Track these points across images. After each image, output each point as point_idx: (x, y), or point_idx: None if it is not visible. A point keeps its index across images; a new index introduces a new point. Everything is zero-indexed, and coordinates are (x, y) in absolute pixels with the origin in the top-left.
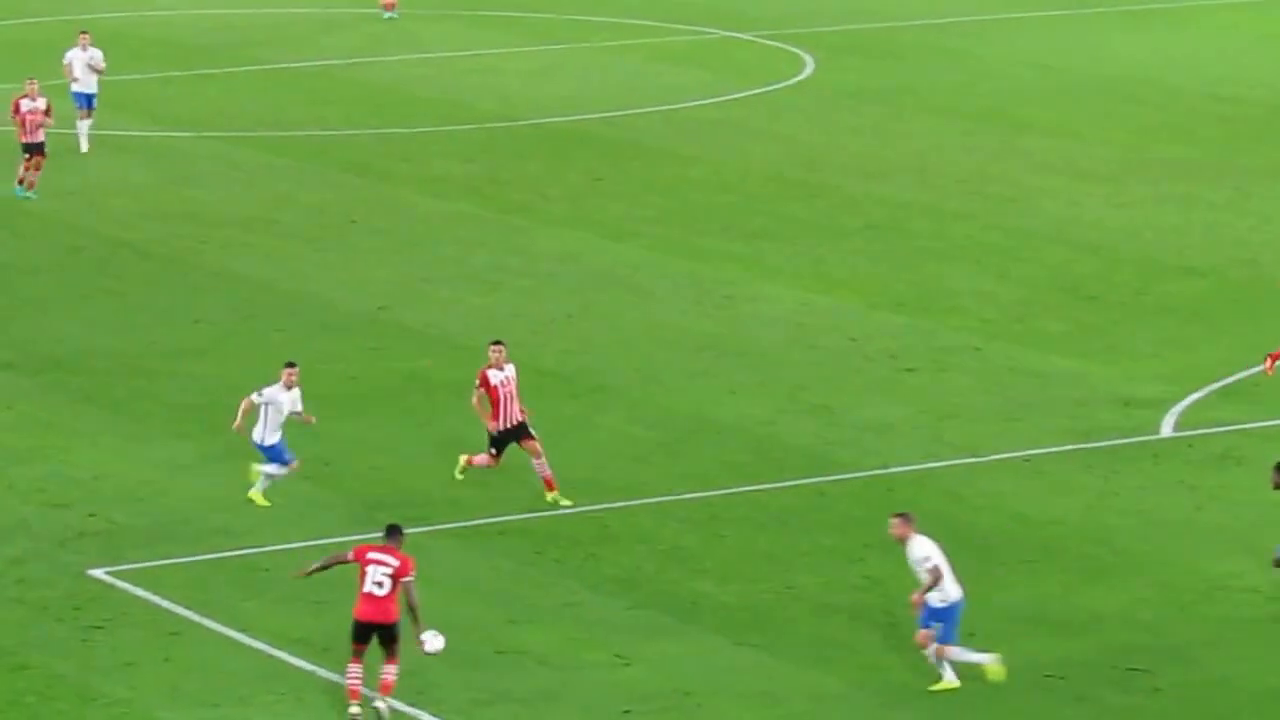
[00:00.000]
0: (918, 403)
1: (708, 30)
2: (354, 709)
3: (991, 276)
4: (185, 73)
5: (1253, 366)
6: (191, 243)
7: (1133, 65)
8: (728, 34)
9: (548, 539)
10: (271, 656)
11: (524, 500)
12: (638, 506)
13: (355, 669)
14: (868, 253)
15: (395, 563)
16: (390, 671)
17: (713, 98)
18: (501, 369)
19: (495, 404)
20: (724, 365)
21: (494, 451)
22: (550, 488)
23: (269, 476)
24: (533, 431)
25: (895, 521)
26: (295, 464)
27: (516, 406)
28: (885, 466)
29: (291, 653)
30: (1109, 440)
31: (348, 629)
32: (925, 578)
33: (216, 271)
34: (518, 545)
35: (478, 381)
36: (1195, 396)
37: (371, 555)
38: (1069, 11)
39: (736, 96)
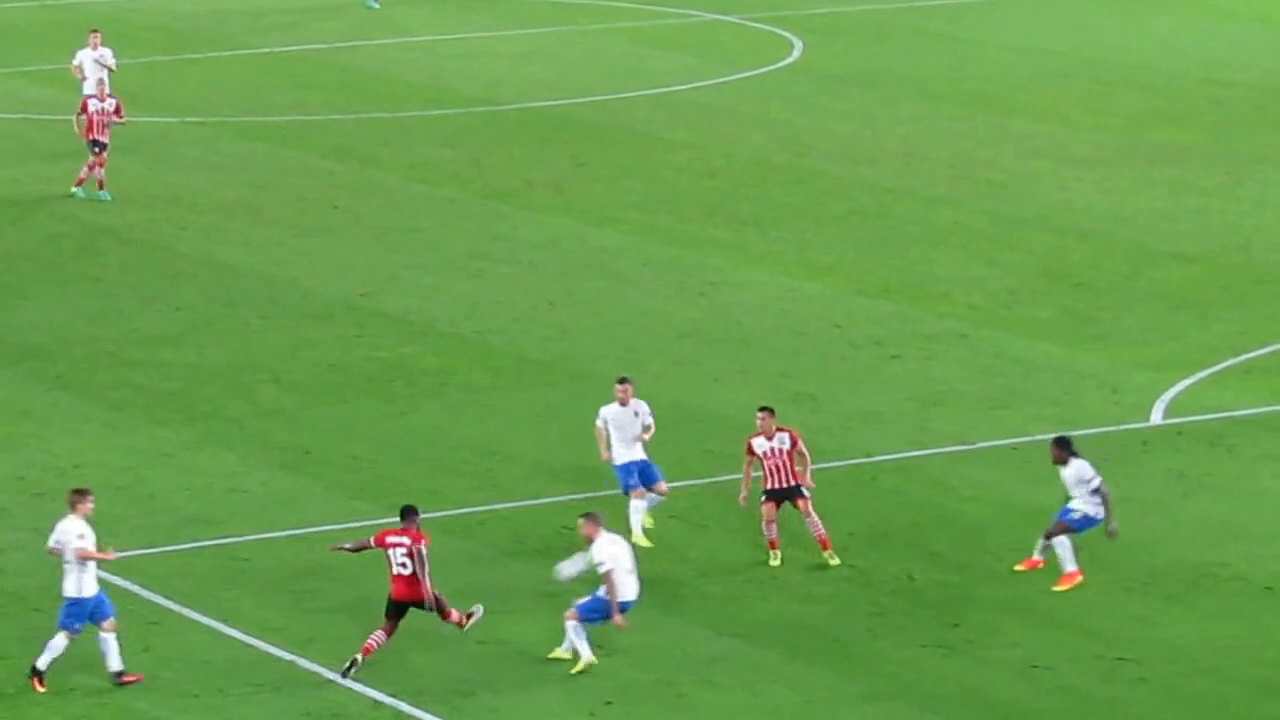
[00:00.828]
0: (904, 390)
1: (694, 13)
2: (356, 657)
3: (979, 263)
4: (168, 58)
5: (1243, 353)
6: (173, 229)
7: (1124, 49)
8: (714, 17)
9: (529, 529)
10: (251, 646)
11: (505, 489)
12: (620, 496)
13: (378, 634)
14: (854, 238)
15: (408, 541)
16: (453, 617)
17: (699, 81)
18: (770, 437)
19: (764, 473)
20: (707, 352)
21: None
22: (825, 547)
23: (639, 507)
24: (806, 493)
25: (582, 521)
26: (659, 486)
27: (789, 474)
28: (870, 455)
29: (271, 643)
30: (1097, 428)
31: (328, 620)
32: (601, 580)
33: (197, 258)
34: (499, 535)
35: (745, 449)
36: (1185, 383)
37: (390, 539)
38: None
39: (723, 80)
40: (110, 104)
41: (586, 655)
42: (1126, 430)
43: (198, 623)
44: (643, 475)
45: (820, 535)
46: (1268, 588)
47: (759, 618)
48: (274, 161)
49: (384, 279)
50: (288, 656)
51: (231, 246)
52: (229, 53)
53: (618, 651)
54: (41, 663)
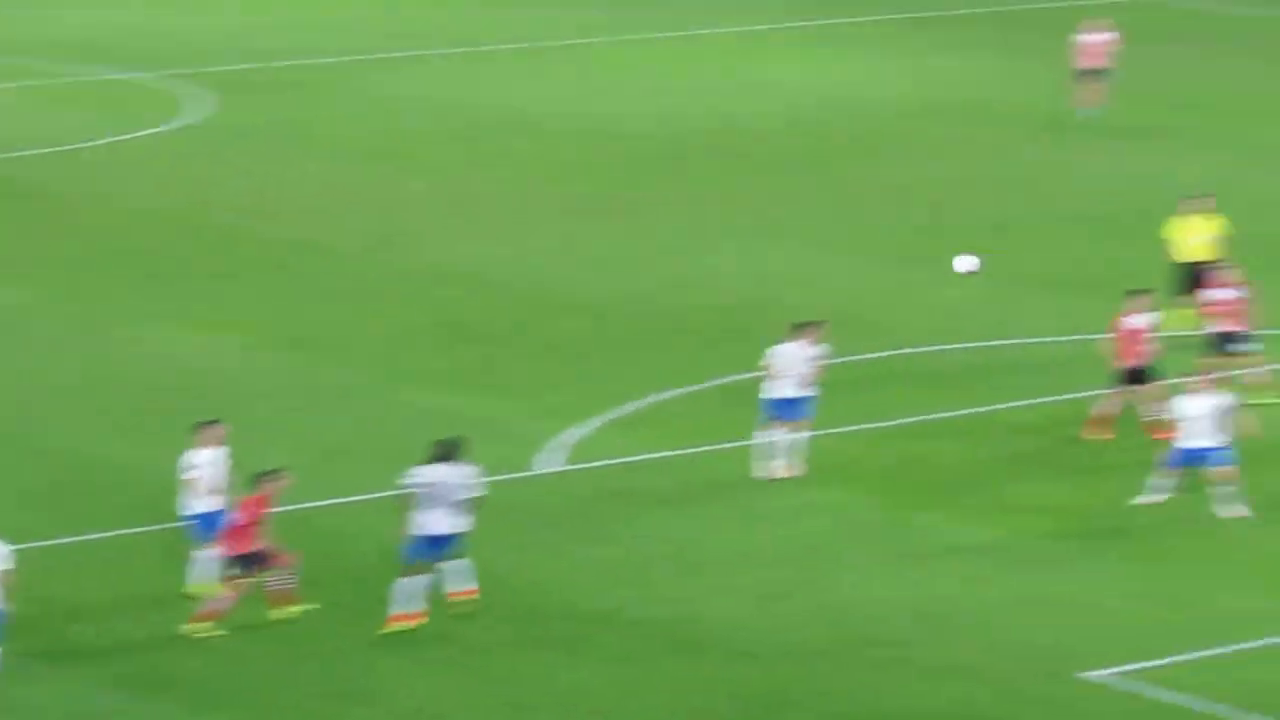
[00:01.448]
0: (299, 443)
1: (91, 70)
2: None
3: (378, 316)
4: None
5: (639, 400)
6: None
7: (528, 103)
8: (122, 75)
9: None
10: None
11: None
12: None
13: None
14: (253, 292)
15: None
16: None
17: (99, 139)
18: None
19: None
20: (105, 406)
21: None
22: (283, 603)
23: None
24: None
25: None
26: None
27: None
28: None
29: None
30: (492, 477)
31: None
32: None
33: None
34: None
35: (257, 505)
36: (579, 431)
37: None
38: (465, 49)
39: (126, 137)
40: None
41: None
42: (520, 479)
43: None
44: (215, 524)
45: (279, 590)
46: (668, 629)
47: (154, 670)
48: None
49: None
50: None
51: None
52: None
53: (11, 710)
54: None
